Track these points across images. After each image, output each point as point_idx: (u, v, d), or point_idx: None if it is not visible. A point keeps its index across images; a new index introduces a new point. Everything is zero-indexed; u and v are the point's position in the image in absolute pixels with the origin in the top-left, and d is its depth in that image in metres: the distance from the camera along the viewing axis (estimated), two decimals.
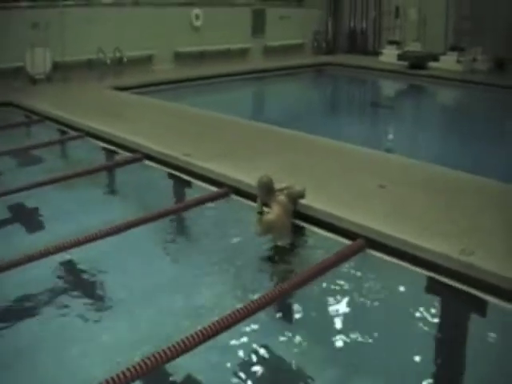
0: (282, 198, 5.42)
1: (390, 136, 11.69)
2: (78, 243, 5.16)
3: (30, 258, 4.86)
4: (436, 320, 4.38)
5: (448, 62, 16.07)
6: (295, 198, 5.53)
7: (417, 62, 16.50)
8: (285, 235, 5.33)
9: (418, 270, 4.63)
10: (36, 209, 6.68)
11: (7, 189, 6.74)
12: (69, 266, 5.32)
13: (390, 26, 18.84)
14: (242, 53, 17.69)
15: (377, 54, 18.52)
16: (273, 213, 5.31)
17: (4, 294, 4.81)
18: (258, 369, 4.02)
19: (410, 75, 16.29)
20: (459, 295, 4.35)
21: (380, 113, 14.06)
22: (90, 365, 3.95)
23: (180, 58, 16.03)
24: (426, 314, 4.40)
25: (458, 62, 15.92)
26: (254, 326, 4.20)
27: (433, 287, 4.50)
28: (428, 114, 13.64)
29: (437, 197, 5.77)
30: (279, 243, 5.31)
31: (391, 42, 18.24)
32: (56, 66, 13.41)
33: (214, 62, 16.36)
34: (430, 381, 3.82)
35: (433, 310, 4.44)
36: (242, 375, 3.89)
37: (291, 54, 18.69)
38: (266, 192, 5.41)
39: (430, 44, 17.19)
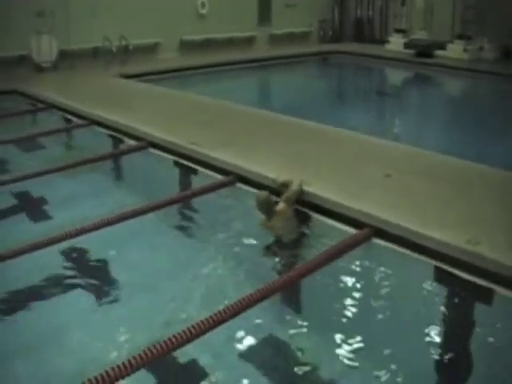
0: (281, 206, 5.37)
1: (396, 124, 11.65)
2: (83, 231, 5.16)
3: (36, 246, 4.87)
4: (442, 309, 4.38)
5: (455, 51, 15.98)
6: (294, 199, 5.48)
7: (423, 51, 16.41)
8: (289, 234, 5.32)
9: (425, 259, 4.62)
10: (41, 197, 6.68)
11: (13, 176, 6.76)
12: (75, 254, 5.34)
13: (397, 14, 18.71)
14: (248, 41, 17.62)
15: (383, 42, 18.41)
16: (274, 221, 5.30)
17: (12, 282, 4.83)
18: (263, 357, 4.03)
19: (416, 63, 16.20)
20: (466, 284, 4.34)
21: (386, 101, 14.00)
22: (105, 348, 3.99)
23: (186, 46, 15.98)
24: (432, 303, 4.40)
25: (465, 50, 15.83)
26: (260, 315, 4.20)
27: (439, 276, 4.49)
28: (434, 103, 13.56)
29: (443, 186, 5.74)
30: (284, 240, 5.31)
31: (398, 31, 18.12)
32: (62, 54, 13.40)
33: (219, 51, 16.32)
34: (436, 368, 3.82)
35: (439, 299, 4.44)
36: (247, 363, 3.90)
37: (297, 43, 18.62)
38: (265, 209, 5.30)
39: (436, 32, 17.08)
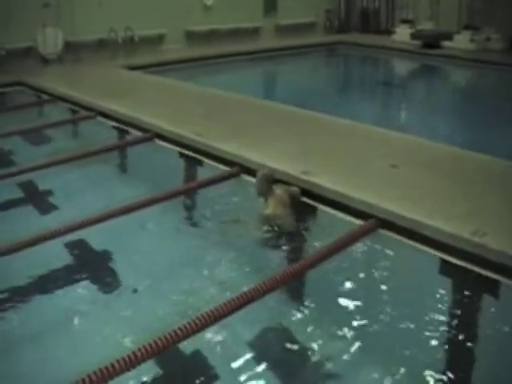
0: (278, 191, 5.43)
1: (402, 115, 11.61)
2: (88, 223, 5.16)
3: (41, 238, 4.88)
4: (448, 300, 4.37)
5: (461, 41, 15.86)
6: (291, 194, 5.50)
7: (430, 41, 16.29)
8: (287, 225, 5.31)
9: (431, 250, 4.60)
10: (47, 188, 6.70)
11: (19, 168, 6.77)
12: (80, 246, 5.35)
13: (403, 4, 18.61)
14: (254, 32, 17.53)
15: (390, 33, 18.30)
16: (269, 207, 5.32)
17: (17, 274, 4.85)
18: (268, 349, 4.04)
19: (422, 54, 16.11)
20: (471, 276, 4.33)
21: (393, 92, 13.95)
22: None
23: (191, 37, 15.94)
24: (437, 295, 4.39)
25: (472, 41, 15.73)
26: (266, 307, 4.20)
27: (445, 268, 4.48)
28: (441, 93, 13.52)
29: (449, 177, 5.72)
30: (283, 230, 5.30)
31: (404, 21, 18.02)
32: (68, 46, 13.40)
33: (225, 41, 16.27)
34: (441, 361, 3.82)
35: (444, 291, 4.42)
36: (253, 355, 3.90)
37: (303, 33, 18.52)
38: (265, 185, 5.44)
39: (443, 23, 16.98)
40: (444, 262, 4.50)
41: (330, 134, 7.37)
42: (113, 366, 3.25)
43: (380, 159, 6.19)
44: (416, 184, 5.53)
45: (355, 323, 4.13)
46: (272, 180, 5.51)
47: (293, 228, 5.30)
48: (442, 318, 4.18)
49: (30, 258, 4.84)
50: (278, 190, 5.46)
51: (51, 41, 13.08)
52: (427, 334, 3.97)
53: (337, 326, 4.14)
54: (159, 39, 15.24)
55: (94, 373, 3.18)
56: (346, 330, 4.07)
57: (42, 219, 6.05)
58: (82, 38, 13.53)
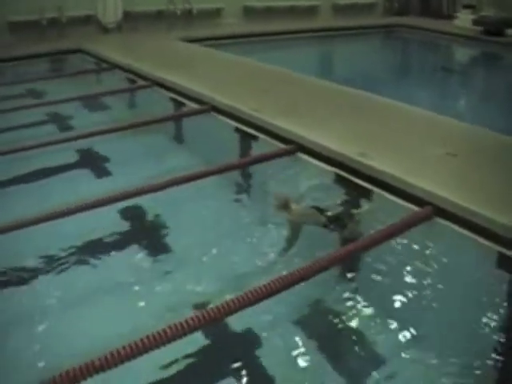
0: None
1: (460, 103, 11.36)
2: (141, 192, 5.19)
3: (95, 204, 4.92)
4: (505, 297, 4.28)
5: None
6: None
7: (493, 29, 15.83)
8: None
9: (488, 243, 4.49)
10: (103, 155, 6.79)
11: (77, 134, 6.87)
12: (133, 214, 5.43)
13: None
14: (311, 10, 17.34)
15: (450, 17, 17.87)
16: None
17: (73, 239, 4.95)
18: (318, 329, 4.04)
19: (485, 41, 15.67)
20: None
21: (451, 78, 13.65)
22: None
23: (249, 12, 15.86)
24: (492, 290, 4.30)
25: None
26: (317, 285, 4.18)
27: (503, 263, 4.36)
28: (502, 83, 13.17)
29: (511, 169, 5.57)
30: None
31: (466, 6, 17.56)
32: (126, 16, 13.49)
33: (282, 19, 16.16)
34: (494, 354, 3.77)
35: (501, 286, 4.33)
36: (302, 335, 3.91)
37: (361, 14, 18.26)
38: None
39: (508, 9, 16.47)
40: (502, 255, 4.38)
41: (387, 117, 7.24)
42: (164, 331, 3.28)
43: (439, 146, 6.05)
44: (475, 173, 5.39)
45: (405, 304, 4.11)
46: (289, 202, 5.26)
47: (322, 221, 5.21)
48: (496, 314, 4.11)
49: (83, 222, 4.92)
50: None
51: (111, 10, 13.21)
52: (479, 334, 3.93)
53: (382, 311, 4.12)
54: (217, 13, 15.21)
55: (144, 338, 3.21)
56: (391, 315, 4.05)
57: (96, 185, 6.14)
58: (141, 8, 13.61)
